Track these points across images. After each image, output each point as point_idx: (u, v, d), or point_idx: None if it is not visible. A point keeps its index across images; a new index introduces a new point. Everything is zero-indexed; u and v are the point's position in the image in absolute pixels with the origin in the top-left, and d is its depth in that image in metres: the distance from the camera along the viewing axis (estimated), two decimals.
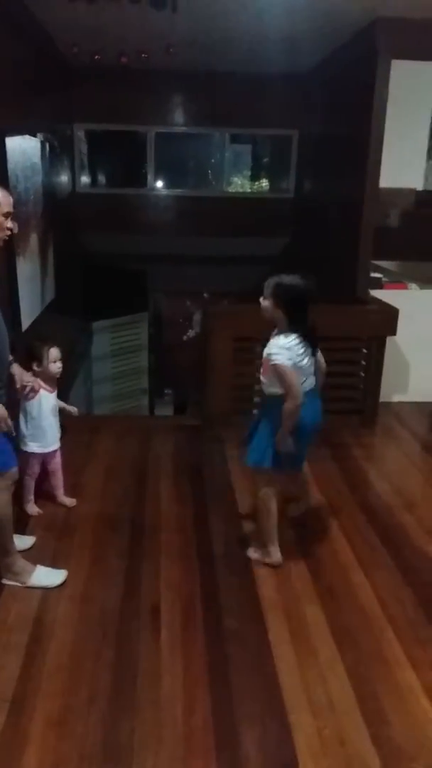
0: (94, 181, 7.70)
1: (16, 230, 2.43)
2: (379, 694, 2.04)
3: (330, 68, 5.62)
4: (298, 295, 2.52)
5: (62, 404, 3.11)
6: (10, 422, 2.36)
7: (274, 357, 2.46)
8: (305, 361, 2.53)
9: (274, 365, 2.46)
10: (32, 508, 3.09)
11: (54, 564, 2.66)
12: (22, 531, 2.86)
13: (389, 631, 2.34)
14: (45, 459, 3.08)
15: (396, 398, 4.85)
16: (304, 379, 2.55)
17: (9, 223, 2.34)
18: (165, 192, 7.54)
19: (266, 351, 2.54)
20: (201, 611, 2.43)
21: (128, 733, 1.89)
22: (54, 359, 2.95)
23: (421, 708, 2.00)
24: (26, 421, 2.97)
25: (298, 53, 5.43)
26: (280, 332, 2.55)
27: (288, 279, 2.54)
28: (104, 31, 4.75)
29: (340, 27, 4.40)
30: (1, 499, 2.44)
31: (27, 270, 4.50)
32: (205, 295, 8.01)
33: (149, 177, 7.34)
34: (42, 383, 2.92)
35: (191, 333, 8.17)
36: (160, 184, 7.52)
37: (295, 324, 2.51)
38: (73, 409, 3.16)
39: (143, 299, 7.73)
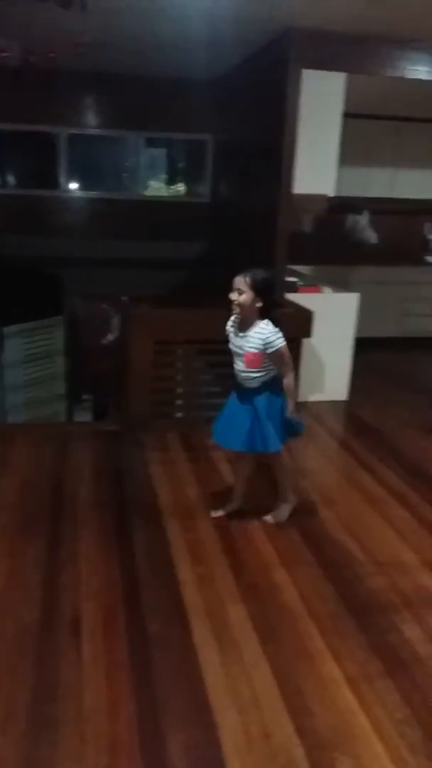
0: (3, 182, 7.45)
1: None
2: (303, 687, 2.07)
3: (244, 74, 5.71)
4: (272, 285, 2.87)
5: None
6: None
7: (275, 343, 2.76)
8: None
9: (278, 350, 2.77)
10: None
11: None
12: None
13: (311, 625, 2.38)
14: None
15: (312, 398, 4.97)
16: None
17: None
18: (79, 194, 7.40)
19: (256, 343, 2.77)
20: (123, 619, 2.38)
21: (50, 750, 1.81)
22: None
23: (342, 698, 2.04)
24: None
25: (213, 58, 5.49)
26: (253, 322, 2.81)
27: (261, 273, 2.80)
28: (11, 29, 4.60)
29: (253, 35, 4.47)
30: None
31: None
32: (124, 298, 7.91)
33: (62, 179, 7.18)
34: None
35: (110, 337, 8.03)
36: (74, 186, 7.38)
37: (271, 310, 2.83)
38: None
39: (58, 303, 7.52)
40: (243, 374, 2.87)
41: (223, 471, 3.68)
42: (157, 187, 8.13)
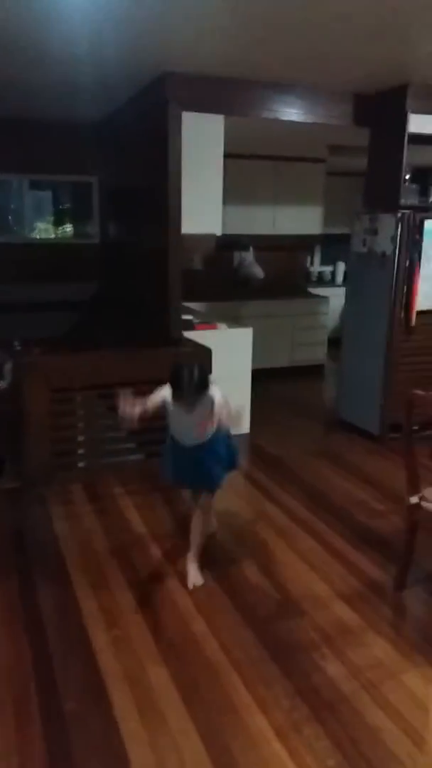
0: None
1: None
2: (232, 746, 2.00)
3: (127, 117, 5.75)
4: (176, 373, 2.87)
5: None
6: None
7: (221, 399, 2.86)
8: None
9: (219, 399, 2.85)
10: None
11: None
12: None
13: (235, 676, 2.32)
14: None
15: None
16: None
17: None
18: None
19: (211, 404, 2.84)
20: (36, 698, 2.21)
21: None
22: None
23: (272, 752, 1.99)
24: None
25: (95, 101, 5.49)
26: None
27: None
28: None
29: (133, 77, 4.51)
30: None
31: None
32: (15, 343, 7.62)
33: None
34: None
35: (2, 384, 7.69)
36: None
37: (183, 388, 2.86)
38: None
39: None
40: (194, 440, 2.92)
41: (132, 520, 3.58)
42: (44, 229, 7.97)
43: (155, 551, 3.23)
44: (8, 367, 7.72)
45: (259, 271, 7.17)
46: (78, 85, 4.74)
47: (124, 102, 5.49)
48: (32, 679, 2.30)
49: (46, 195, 7.83)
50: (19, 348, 7.38)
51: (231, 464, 3.10)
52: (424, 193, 5.13)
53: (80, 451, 4.55)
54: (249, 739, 2.04)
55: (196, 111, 4.55)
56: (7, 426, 4.98)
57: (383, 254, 4.81)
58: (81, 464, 4.49)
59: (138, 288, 5.97)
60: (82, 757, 1.97)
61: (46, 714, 2.14)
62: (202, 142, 4.78)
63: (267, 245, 7.26)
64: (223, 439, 2.99)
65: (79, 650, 2.46)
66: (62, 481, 4.06)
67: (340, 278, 8.01)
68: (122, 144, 6.16)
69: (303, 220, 7.24)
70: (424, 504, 2.77)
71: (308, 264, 8.11)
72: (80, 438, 4.57)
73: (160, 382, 4.32)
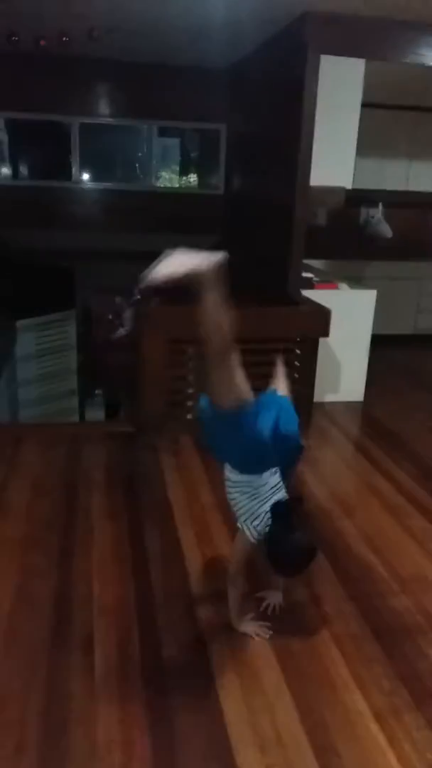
0: (15, 174, 7.31)
1: None
2: (328, 722, 1.96)
3: (259, 62, 5.52)
4: None
5: None
6: None
7: None
8: None
9: None
10: None
11: None
12: None
13: (334, 650, 2.27)
14: None
15: (328, 399, 4.84)
16: None
17: None
18: (91, 185, 7.26)
19: None
20: (138, 640, 2.28)
21: None
22: None
23: (369, 734, 1.93)
24: None
25: (228, 45, 5.32)
26: None
27: None
28: (19, 9, 4.44)
29: (268, 19, 4.30)
30: None
31: None
32: (136, 292, 7.80)
33: (74, 169, 7.04)
34: None
35: (121, 331, 7.93)
36: (86, 177, 7.24)
37: None
38: None
39: (70, 296, 7.42)
40: None
41: None
42: (169, 178, 7.98)
43: None
44: (128, 315, 7.94)
45: (387, 230, 6.77)
46: (210, 28, 4.59)
47: (257, 46, 5.26)
48: (135, 621, 2.37)
49: (174, 143, 7.79)
50: (138, 297, 7.56)
51: None
52: None
53: (189, 403, 4.60)
54: (345, 716, 1.99)
55: (335, 54, 4.27)
56: (124, 372, 5.13)
57: None
58: (189, 416, 4.55)
59: (259, 243, 5.83)
60: (176, 704, 2.00)
61: (146, 658, 2.20)
62: (339, 88, 4.51)
63: (398, 202, 6.81)
64: None
65: (180, 598, 2.50)
66: (172, 430, 4.12)
67: None
68: (253, 91, 5.95)
69: None
70: None
71: None
72: (190, 390, 4.62)
73: (275, 340, 4.26)
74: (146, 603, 2.47)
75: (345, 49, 4.28)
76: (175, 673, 2.14)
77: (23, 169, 7.47)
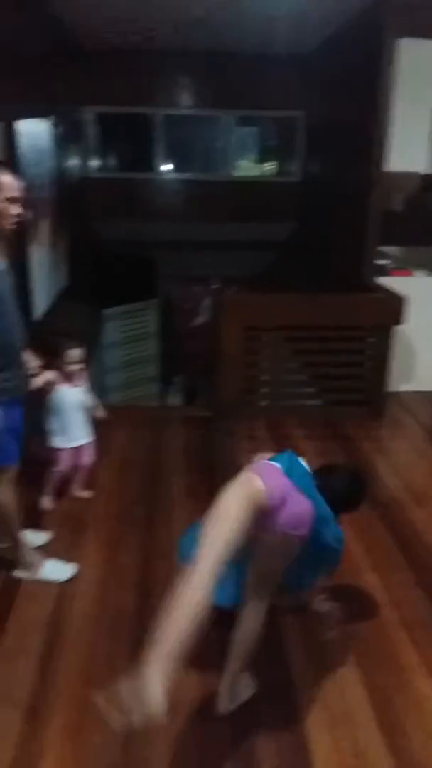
0: (104, 166, 7.61)
1: (25, 217, 2.35)
2: (396, 703, 2.04)
3: (336, 47, 5.49)
4: None
5: (93, 402, 3.14)
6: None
7: None
8: None
9: None
10: (46, 502, 3.11)
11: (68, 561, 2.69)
12: (37, 526, 2.87)
13: (403, 634, 2.34)
14: (75, 454, 3.10)
15: (403, 388, 4.80)
16: None
17: (16, 209, 2.27)
18: (173, 176, 7.45)
19: None
20: (217, 613, 2.42)
21: (144, 747, 1.90)
22: (71, 360, 2.95)
23: None
24: (50, 416, 3.02)
25: (304, 32, 5.32)
26: None
27: None
28: (112, 8, 4.64)
29: (346, 4, 4.28)
30: (5, 494, 2.46)
31: (39, 257, 4.46)
32: (214, 281, 7.95)
33: (157, 161, 7.25)
34: (60, 378, 2.96)
35: (200, 320, 8.12)
36: (167, 167, 7.43)
37: None
38: (101, 413, 3.16)
39: (153, 286, 7.68)
40: None
41: (309, 462, 3.65)
42: (247, 167, 8.03)
43: None
44: (206, 303, 8.11)
45: None
46: (289, 16, 4.61)
47: (335, 31, 5.22)
48: None
49: (252, 132, 7.84)
50: (217, 286, 7.70)
51: None
52: None
53: (263, 390, 4.71)
54: (414, 700, 2.06)
55: (412, 37, 4.20)
56: (202, 360, 5.30)
57: None
58: (263, 403, 4.66)
59: (334, 229, 5.82)
60: (252, 672, 2.14)
61: (223, 626, 2.35)
62: (415, 71, 4.42)
63: None
64: None
65: None
66: (248, 416, 4.25)
67: None
68: (330, 77, 5.91)
69: None
70: None
71: None
72: (264, 377, 4.73)
73: (349, 327, 4.27)
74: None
75: (423, 32, 4.20)
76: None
77: (110, 162, 7.75)
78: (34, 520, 2.93)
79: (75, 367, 3.00)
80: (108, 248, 6.98)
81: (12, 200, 2.25)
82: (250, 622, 1.93)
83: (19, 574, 2.61)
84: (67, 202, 5.42)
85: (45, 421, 3.06)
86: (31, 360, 2.65)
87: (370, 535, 2.96)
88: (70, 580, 2.60)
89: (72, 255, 5.66)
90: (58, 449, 3.08)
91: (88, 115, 6.91)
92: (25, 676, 2.13)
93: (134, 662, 2.14)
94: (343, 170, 5.62)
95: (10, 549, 2.61)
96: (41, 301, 4.47)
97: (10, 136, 3.43)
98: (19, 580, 2.58)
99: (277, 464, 1.95)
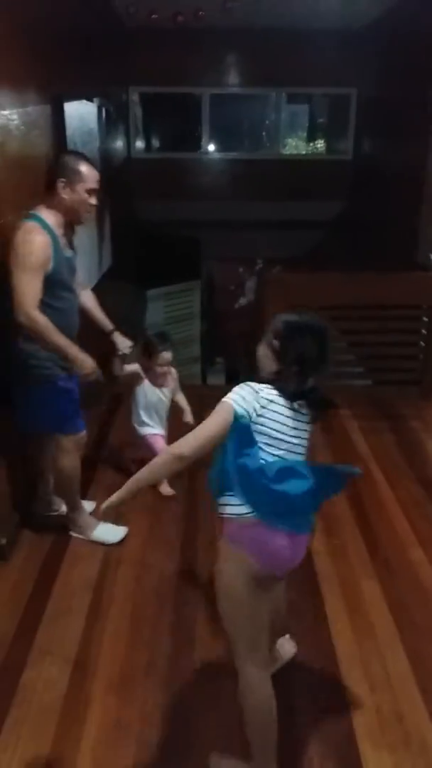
0: (148, 146, 7.62)
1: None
2: None
3: (391, 23, 5.34)
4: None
5: (183, 406, 3.13)
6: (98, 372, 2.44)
7: None
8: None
9: None
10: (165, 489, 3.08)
11: None
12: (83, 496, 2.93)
13: None
14: (149, 442, 3.10)
15: None
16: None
17: (94, 200, 2.37)
18: (218, 155, 7.42)
19: None
20: None
21: (187, 697, 1.94)
22: (162, 362, 2.97)
23: None
24: (134, 406, 3.08)
25: (357, 7, 5.19)
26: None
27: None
28: None
29: None
30: (70, 459, 2.56)
31: (85, 237, 4.50)
32: (259, 261, 7.91)
33: (203, 140, 7.22)
34: (149, 376, 3.01)
35: (243, 300, 8.10)
36: (213, 147, 7.39)
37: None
38: (188, 418, 3.08)
39: (196, 266, 7.69)
40: None
41: (356, 441, 3.63)
42: (295, 145, 7.93)
43: (377, 474, 3.25)
44: (250, 284, 8.08)
45: None
46: None
47: (391, 5, 5.07)
48: None
49: (302, 109, 7.73)
50: (261, 266, 7.66)
51: None
52: None
53: None
54: None
55: None
56: (244, 341, 5.28)
57: None
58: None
59: (387, 208, 5.71)
60: (294, 637, 2.15)
61: None
62: None
63: None
64: None
65: None
66: None
67: None
68: (386, 52, 5.76)
69: None
70: None
71: None
72: None
73: (402, 306, 4.19)
74: None
75: None
76: (291, 612, 2.27)
77: (155, 142, 7.77)
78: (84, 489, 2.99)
79: (164, 369, 3.00)
80: (152, 229, 7.00)
81: (90, 192, 2.34)
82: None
83: (73, 533, 2.70)
84: (112, 183, 5.44)
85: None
86: (122, 342, 2.79)
87: (417, 512, 2.92)
88: (120, 543, 2.66)
89: (116, 235, 5.69)
90: (141, 437, 3.10)
91: (135, 95, 6.92)
92: (74, 634, 2.18)
93: (175, 625, 2.21)
94: (397, 148, 5.49)
95: (66, 515, 2.71)
96: (86, 282, 4.51)
97: (59, 118, 3.45)
98: (66, 545, 2.64)
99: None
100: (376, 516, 2.90)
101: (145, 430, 3.09)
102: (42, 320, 2.24)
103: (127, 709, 1.91)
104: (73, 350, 2.34)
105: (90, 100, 4.57)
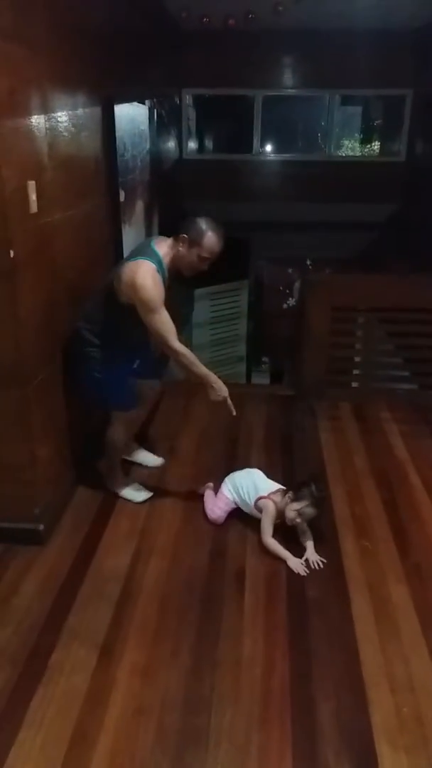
0: (200, 148, 7.70)
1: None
2: None
3: None
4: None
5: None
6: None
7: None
8: None
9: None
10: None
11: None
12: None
13: None
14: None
15: None
16: None
17: (203, 267, 2.62)
18: (271, 157, 7.43)
19: None
20: (284, 579, 2.46)
21: (208, 688, 1.97)
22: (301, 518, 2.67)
23: None
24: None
25: (414, 6, 5.11)
26: None
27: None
28: None
29: None
30: (119, 431, 2.90)
31: (133, 238, 4.59)
32: (308, 262, 7.87)
33: (255, 142, 7.24)
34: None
35: (291, 301, 8.07)
36: (266, 148, 7.41)
37: None
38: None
39: (245, 267, 7.71)
40: None
41: (395, 445, 3.58)
42: (350, 146, 7.87)
43: (414, 479, 3.20)
44: (298, 284, 8.03)
45: None
46: None
47: None
48: (283, 564, 2.54)
49: (356, 111, 7.66)
50: (310, 267, 7.62)
51: None
52: None
53: (355, 372, 4.63)
54: None
55: None
56: (291, 342, 5.28)
57: None
58: (354, 384, 4.59)
59: None
60: (316, 638, 2.17)
61: (292, 593, 2.38)
62: None
63: None
64: None
65: (328, 548, 2.63)
66: (332, 397, 4.20)
67: None
68: None
69: None
70: None
71: None
72: (356, 359, 4.65)
73: None
74: (295, 550, 2.62)
75: None
76: (317, 611, 2.29)
77: (208, 143, 7.83)
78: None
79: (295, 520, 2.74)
80: None
81: (202, 258, 2.58)
82: None
83: (109, 485, 3.00)
84: (163, 184, 5.53)
85: None
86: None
87: None
88: (145, 502, 2.93)
89: (167, 235, 5.77)
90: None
91: (188, 97, 7.00)
92: (103, 620, 2.25)
93: (201, 617, 2.25)
94: None
95: (104, 473, 3.02)
96: None
97: (109, 120, 3.54)
98: (101, 535, 2.72)
99: None
100: (410, 520, 2.86)
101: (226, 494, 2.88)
102: (187, 352, 2.59)
103: (150, 695, 1.96)
104: (212, 378, 2.69)
105: (142, 102, 4.66)
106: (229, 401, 2.73)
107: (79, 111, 2.94)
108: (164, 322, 2.52)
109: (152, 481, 3.15)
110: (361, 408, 4.07)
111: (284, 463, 3.38)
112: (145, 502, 2.96)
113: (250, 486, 2.79)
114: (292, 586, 2.43)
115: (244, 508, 2.81)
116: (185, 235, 2.56)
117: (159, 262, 2.57)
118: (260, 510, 2.70)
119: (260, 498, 2.72)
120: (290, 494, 2.66)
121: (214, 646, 2.14)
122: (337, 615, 2.28)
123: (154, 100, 5.17)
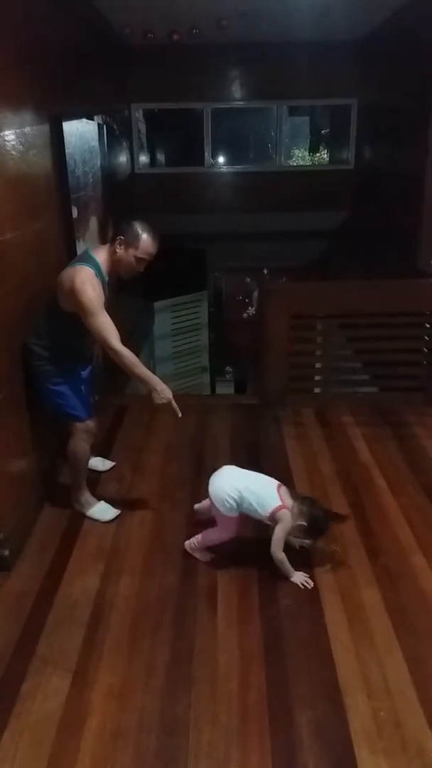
0: (153, 161, 7.71)
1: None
2: None
3: (390, 32, 5.38)
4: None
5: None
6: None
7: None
8: None
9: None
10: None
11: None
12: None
13: None
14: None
15: None
16: None
17: (140, 267, 2.69)
18: (223, 169, 7.49)
19: None
20: (257, 591, 2.46)
21: (185, 707, 1.95)
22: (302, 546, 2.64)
23: None
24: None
25: (356, 18, 5.23)
26: None
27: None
28: (155, 9, 4.72)
29: None
30: (79, 443, 2.87)
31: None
32: (265, 271, 7.94)
33: (207, 154, 7.29)
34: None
35: (250, 310, 8.13)
36: (218, 161, 7.47)
37: None
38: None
39: (203, 278, 7.75)
40: None
41: (359, 449, 3.63)
42: (300, 156, 7.98)
43: (380, 481, 3.24)
44: (257, 293, 8.08)
45: None
46: (338, 2, 4.55)
47: (388, 16, 5.12)
48: (255, 575, 2.54)
49: (304, 121, 7.80)
50: (267, 276, 7.69)
51: None
52: None
53: (316, 378, 4.68)
54: None
55: None
56: (253, 350, 5.30)
57: None
58: (316, 390, 4.63)
59: (388, 215, 5.73)
60: (291, 648, 2.16)
61: (264, 604, 2.38)
62: None
63: None
64: None
65: (298, 557, 2.61)
66: (296, 403, 4.24)
67: None
68: (384, 62, 5.80)
69: None
70: None
71: None
72: (317, 365, 4.70)
73: (404, 314, 4.19)
74: (265, 560, 2.61)
75: None
76: (291, 620, 2.29)
77: (160, 157, 7.85)
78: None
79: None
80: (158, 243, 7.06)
81: (139, 259, 2.65)
82: None
83: (75, 505, 2.98)
84: (116, 199, 5.51)
85: None
86: None
87: (419, 518, 2.91)
88: (113, 520, 2.91)
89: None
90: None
91: (137, 112, 7.01)
92: (74, 644, 2.20)
93: (174, 635, 2.22)
94: (397, 157, 5.52)
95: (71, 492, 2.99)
96: None
97: (59, 137, 3.51)
98: (69, 556, 2.68)
99: None
100: (378, 522, 2.89)
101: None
102: (128, 353, 2.56)
103: (126, 717, 1.92)
104: (155, 380, 2.66)
105: (90, 118, 4.65)
106: (174, 403, 2.71)
107: (27, 129, 2.91)
108: (105, 324, 2.54)
109: (119, 497, 3.11)
110: (324, 413, 4.11)
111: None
112: (113, 520, 2.93)
113: (260, 493, 2.52)
114: (264, 597, 2.42)
115: (252, 516, 2.56)
116: (122, 237, 2.63)
117: (97, 267, 2.63)
118: (275, 520, 2.49)
119: (281, 508, 2.48)
120: (298, 503, 2.50)
121: (188, 663, 2.12)
122: (311, 622, 2.28)
123: (104, 116, 5.17)
